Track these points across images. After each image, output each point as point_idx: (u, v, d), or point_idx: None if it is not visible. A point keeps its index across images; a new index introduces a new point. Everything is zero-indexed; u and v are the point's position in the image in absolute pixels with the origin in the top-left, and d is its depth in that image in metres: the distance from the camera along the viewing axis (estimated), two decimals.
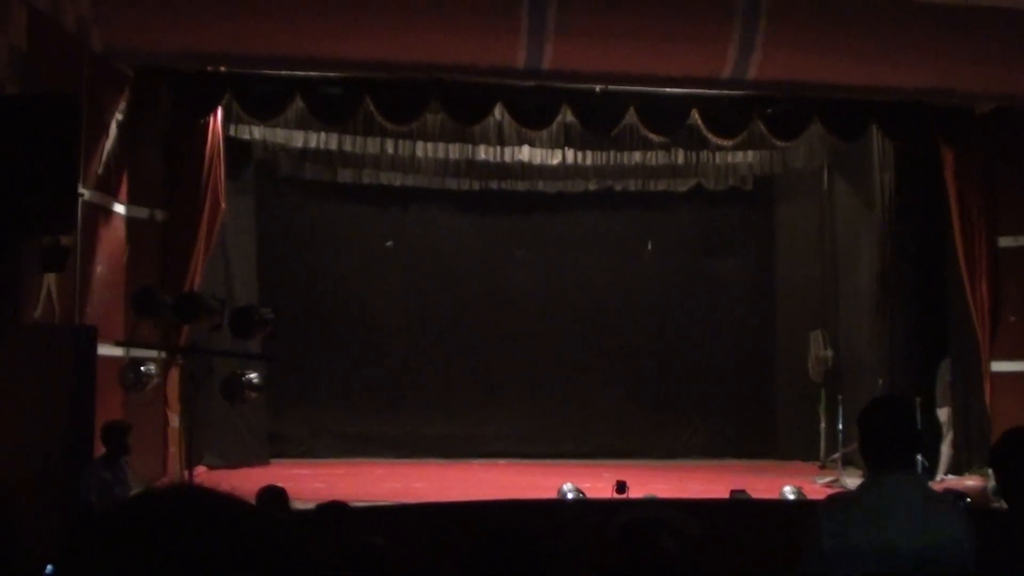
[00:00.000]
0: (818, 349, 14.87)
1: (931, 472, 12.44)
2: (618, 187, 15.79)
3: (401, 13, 10.83)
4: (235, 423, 13.20)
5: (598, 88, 12.16)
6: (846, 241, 15.22)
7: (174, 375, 11.74)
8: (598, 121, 12.77)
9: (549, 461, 14.53)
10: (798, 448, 15.31)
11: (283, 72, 11.87)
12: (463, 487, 11.74)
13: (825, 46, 11.35)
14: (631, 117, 12.46)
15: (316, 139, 13.79)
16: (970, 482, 11.80)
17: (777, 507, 9.37)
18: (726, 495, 9.76)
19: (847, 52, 11.35)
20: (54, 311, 9.57)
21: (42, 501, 7.54)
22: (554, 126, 13.21)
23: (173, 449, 11.73)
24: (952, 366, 13.31)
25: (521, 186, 15.63)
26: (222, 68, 11.69)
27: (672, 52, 11.40)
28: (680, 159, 14.96)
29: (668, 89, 12.25)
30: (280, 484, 7.15)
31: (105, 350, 9.88)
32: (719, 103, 12.54)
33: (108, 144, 10.93)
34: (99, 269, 10.72)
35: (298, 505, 7.75)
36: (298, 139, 13.79)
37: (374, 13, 10.85)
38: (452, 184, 15.47)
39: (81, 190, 9.67)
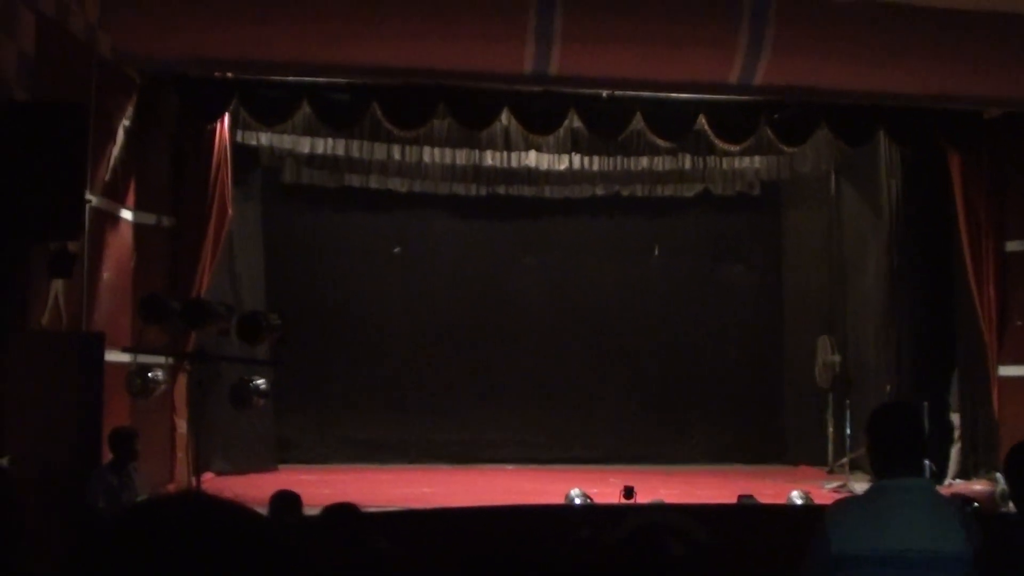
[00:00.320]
0: (826, 354, 14.84)
1: (939, 477, 12.42)
2: (625, 192, 15.76)
3: (408, 19, 10.83)
4: (243, 429, 13.20)
5: (605, 93, 12.17)
6: (853, 246, 15.20)
7: (181, 381, 11.73)
8: (605, 126, 12.76)
9: (556, 466, 14.54)
10: (806, 453, 15.30)
11: (290, 78, 11.88)
12: (471, 492, 11.72)
13: (832, 51, 11.33)
14: (638, 122, 12.46)
15: (323, 145, 13.77)
16: (978, 487, 11.76)
17: (785, 512, 9.36)
18: (734, 500, 9.76)
19: (854, 57, 11.34)
20: (61, 317, 9.56)
21: (50, 507, 7.55)
22: (561, 131, 13.19)
23: (181, 455, 11.71)
24: (959, 371, 13.29)
25: (528, 191, 15.62)
26: (229, 74, 11.70)
27: (679, 57, 11.38)
28: (687, 164, 14.89)
29: (675, 94, 12.23)
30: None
31: (112, 356, 9.87)
32: (726, 108, 12.51)
33: (116, 150, 10.93)
34: (106, 275, 10.73)
35: (306, 511, 7.75)
36: (305, 145, 13.78)
37: (381, 19, 10.85)
38: (459, 190, 15.44)
39: (88, 196, 9.67)
